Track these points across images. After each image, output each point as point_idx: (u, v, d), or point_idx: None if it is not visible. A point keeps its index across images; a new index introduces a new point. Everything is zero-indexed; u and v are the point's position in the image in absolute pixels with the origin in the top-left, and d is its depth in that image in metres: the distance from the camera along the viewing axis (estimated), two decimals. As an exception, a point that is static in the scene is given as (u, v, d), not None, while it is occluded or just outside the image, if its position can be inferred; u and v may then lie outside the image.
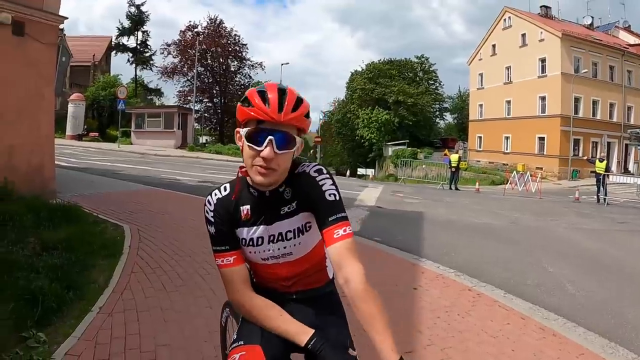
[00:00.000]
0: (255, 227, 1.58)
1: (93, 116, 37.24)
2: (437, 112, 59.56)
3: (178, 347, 3.33)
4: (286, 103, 1.42)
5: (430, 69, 57.21)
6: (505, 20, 42.48)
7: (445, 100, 60.42)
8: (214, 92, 49.22)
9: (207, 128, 50.87)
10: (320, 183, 1.53)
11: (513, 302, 4.83)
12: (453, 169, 22.56)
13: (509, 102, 41.11)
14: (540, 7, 42.17)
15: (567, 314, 4.69)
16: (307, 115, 1.50)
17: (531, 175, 24.00)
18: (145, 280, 4.73)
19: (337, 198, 1.52)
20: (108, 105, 35.85)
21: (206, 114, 50.12)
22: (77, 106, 31.38)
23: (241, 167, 1.54)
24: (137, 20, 44.64)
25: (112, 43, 45.72)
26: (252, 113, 1.42)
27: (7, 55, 7.09)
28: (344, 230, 1.47)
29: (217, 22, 47.36)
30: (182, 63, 46.17)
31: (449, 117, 63.97)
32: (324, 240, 1.49)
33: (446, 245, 7.68)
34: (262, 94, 1.42)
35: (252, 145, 1.42)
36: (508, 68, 41.39)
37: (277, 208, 1.56)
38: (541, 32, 37.46)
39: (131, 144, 33.10)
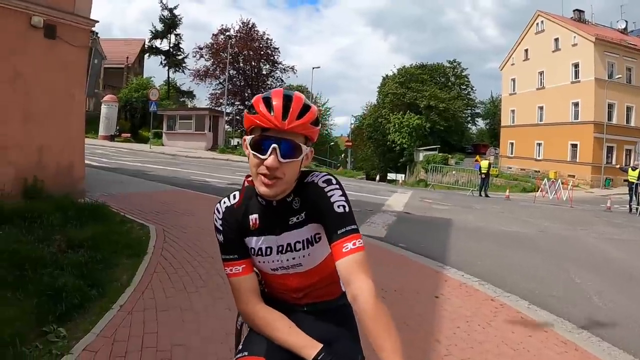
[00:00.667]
0: (263, 237, 1.55)
1: (126, 117, 38.17)
2: (469, 118, 59.10)
3: (194, 347, 3.38)
4: (291, 110, 1.38)
5: (463, 73, 56.92)
6: (537, 24, 41.84)
7: (477, 105, 59.95)
8: (246, 95, 49.80)
9: (239, 131, 51.58)
10: (329, 194, 1.48)
11: (536, 314, 4.71)
12: (483, 175, 22.33)
13: (541, 108, 40.44)
14: (573, 11, 41.45)
15: (592, 327, 4.55)
16: (316, 123, 1.46)
17: (562, 183, 23.44)
18: (167, 280, 4.81)
19: (347, 210, 1.46)
20: (140, 107, 36.68)
21: (238, 117, 50.79)
22: (110, 107, 32.22)
23: (247, 177, 1.53)
24: (170, 23, 45.58)
25: (145, 46, 46.86)
26: (257, 120, 1.39)
27: (39, 57, 7.35)
28: (354, 244, 1.41)
29: (249, 25, 48.00)
30: (214, 66, 46.93)
31: (481, 123, 63.38)
32: (333, 254, 1.43)
33: (472, 253, 7.57)
34: (267, 101, 1.39)
35: (257, 154, 1.40)
36: (541, 73, 40.73)
37: (285, 218, 1.53)
38: (574, 37, 36.78)
39: (162, 145, 33.78)
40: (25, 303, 3.64)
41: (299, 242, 1.54)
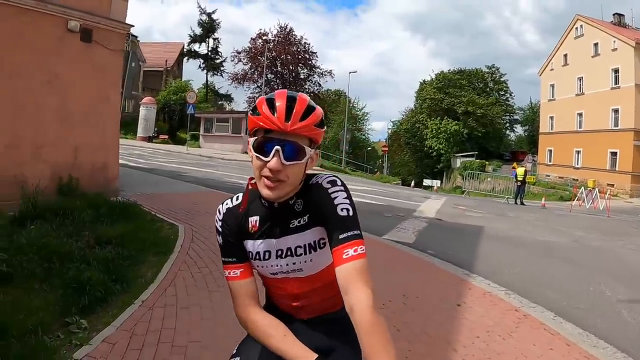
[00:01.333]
0: (261, 240, 1.52)
1: (164, 119, 39.15)
2: (507, 124, 58.04)
3: (209, 344, 3.45)
4: (294, 111, 1.35)
5: (501, 79, 56.05)
6: (577, 29, 40.52)
7: (516, 111, 58.68)
8: (284, 99, 50.24)
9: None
10: (333, 196, 1.43)
11: (561, 326, 4.55)
12: (519, 183, 21.95)
13: (580, 114, 39.08)
14: (613, 14, 40.04)
15: (618, 342, 4.33)
16: (320, 125, 1.42)
17: (600, 192, 22.66)
18: (190, 279, 4.93)
19: (351, 214, 1.41)
20: (179, 109, 37.52)
21: (275, 121, 51.22)
22: (149, 109, 33.15)
23: (250, 179, 1.48)
24: (209, 27, 46.44)
25: (184, 49, 47.89)
26: (259, 122, 1.37)
27: (75, 60, 7.69)
28: (355, 251, 1.36)
29: (287, 30, 48.53)
30: (252, 70, 47.60)
31: (519, 130, 61.92)
32: (334, 260, 1.38)
33: (500, 262, 7.42)
34: (270, 102, 1.37)
35: (259, 156, 1.37)
36: (580, 79, 39.39)
37: (286, 221, 1.49)
38: (614, 41, 35.37)
39: (199, 147, 34.46)
40: (51, 295, 3.82)
41: (300, 246, 1.49)
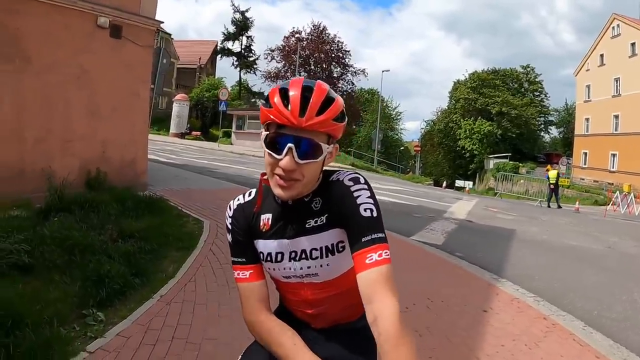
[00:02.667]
0: (273, 240, 1.41)
1: (197, 116, 39.77)
2: (542, 125, 56.72)
3: (224, 342, 3.43)
4: (310, 104, 1.22)
5: (536, 79, 54.76)
6: (613, 28, 39.19)
7: (551, 113, 57.33)
8: (317, 97, 50.35)
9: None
10: (356, 194, 1.31)
11: (591, 337, 4.36)
12: (552, 186, 21.42)
13: (616, 116, 37.82)
14: None
15: None
16: (340, 119, 1.29)
17: (635, 197, 21.85)
18: (211, 275, 4.95)
19: (375, 214, 1.29)
20: (211, 106, 38.02)
21: (308, 119, 51.44)
22: (182, 106, 33.74)
23: (262, 174, 1.39)
24: (242, 25, 46.89)
25: (218, 47, 48.49)
26: (271, 115, 1.25)
27: (105, 56, 7.84)
28: (379, 255, 1.23)
29: (321, 28, 48.57)
30: (286, 68, 47.83)
31: (554, 131, 60.45)
32: (354, 265, 1.27)
33: (531, 267, 7.21)
34: (284, 93, 1.25)
35: (272, 153, 1.26)
36: (617, 80, 38.08)
37: (302, 220, 1.37)
38: None
39: (231, 144, 34.82)
40: (70, 286, 3.90)
41: (315, 249, 1.37)
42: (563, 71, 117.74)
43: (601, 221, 16.89)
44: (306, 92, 1.24)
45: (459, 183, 41.45)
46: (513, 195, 28.22)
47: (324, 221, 1.35)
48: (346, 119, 1.34)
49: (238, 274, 1.45)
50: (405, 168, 51.53)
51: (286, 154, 1.23)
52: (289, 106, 1.22)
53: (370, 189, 1.34)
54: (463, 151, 49.96)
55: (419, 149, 45.44)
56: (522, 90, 54.01)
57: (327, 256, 1.37)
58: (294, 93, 1.23)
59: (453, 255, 7.16)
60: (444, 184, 34.52)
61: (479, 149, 48.20)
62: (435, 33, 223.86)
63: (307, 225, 1.37)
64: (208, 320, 3.81)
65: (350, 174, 1.37)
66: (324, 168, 1.39)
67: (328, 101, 1.26)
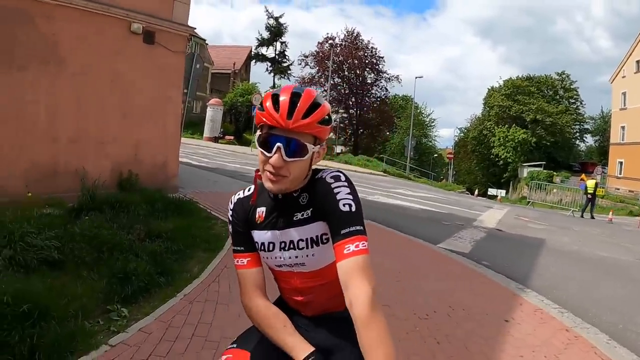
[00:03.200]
0: (266, 231, 1.56)
1: (230, 120, 40.24)
2: (577, 133, 55.12)
3: (241, 342, 3.50)
4: (297, 108, 1.37)
5: (572, 86, 53.36)
6: None
7: (587, 120, 55.65)
8: (350, 103, 50.55)
9: (342, 138, 52.40)
10: (336, 191, 1.44)
11: (615, 351, 4.22)
12: (589, 196, 20.83)
13: None
14: None
15: None
16: (325, 122, 1.44)
17: None
18: (234, 276, 4.92)
19: (354, 209, 1.41)
20: (245, 111, 38.38)
21: (341, 124, 51.65)
22: (215, 110, 34.18)
23: (257, 171, 1.51)
24: (276, 31, 47.50)
25: (252, 53, 49.12)
26: (263, 118, 1.40)
27: (138, 61, 8.08)
28: (357, 246, 1.35)
29: (355, 34, 48.68)
30: (320, 74, 48.08)
31: (589, 140, 58.56)
32: (335, 255, 1.39)
33: (558, 278, 7.04)
34: (275, 98, 1.40)
35: (263, 151, 1.41)
36: None
37: (291, 213, 1.52)
38: None
39: (263, 148, 34.99)
40: (97, 282, 4.05)
41: (302, 240, 1.51)
42: (599, 78, 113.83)
43: (634, 232, 16.45)
44: (294, 97, 1.39)
45: (491, 191, 40.76)
46: (546, 204, 27.65)
47: (309, 214, 1.49)
48: (332, 123, 1.51)
49: (237, 261, 1.62)
50: (439, 175, 51.02)
51: (275, 152, 1.38)
52: (279, 110, 1.37)
53: (350, 185, 1.46)
54: (497, 159, 49.17)
55: (452, 156, 44.90)
56: (557, 97, 52.85)
57: (312, 247, 1.50)
58: (284, 98, 1.38)
59: (479, 264, 7.07)
60: (476, 192, 34.00)
61: (513, 157, 47.38)
62: (470, 39, 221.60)
63: (294, 218, 1.51)
64: (228, 320, 3.88)
65: (333, 172, 1.51)
66: (314, 167, 1.53)
67: (314, 106, 1.40)
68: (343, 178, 1.48)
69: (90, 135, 7.54)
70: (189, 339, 3.47)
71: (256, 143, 1.43)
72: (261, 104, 1.42)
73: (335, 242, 1.39)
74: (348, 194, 1.43)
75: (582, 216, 20.69)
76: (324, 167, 1.59)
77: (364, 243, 1.37)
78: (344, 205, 1.41)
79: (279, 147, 1.37)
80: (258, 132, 1.44)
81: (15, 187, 6.36)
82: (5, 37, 6.43)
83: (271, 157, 1.38)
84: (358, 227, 1.39)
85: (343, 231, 1.37)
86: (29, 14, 6.64)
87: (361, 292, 1.30)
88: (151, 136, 8.47)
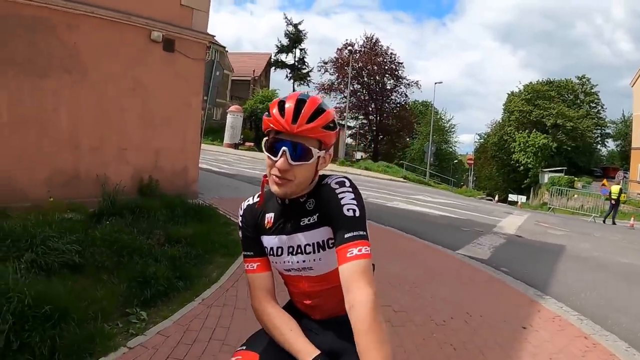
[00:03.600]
0: (274, 236, 1.60)
1: (250, 127, 40.51)
2: (599, 138, 54.13)
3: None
4: (302, 114, 1.42)
5: (592, 90, 52.52)
6: None
7: (608, 125, 54.49)
8: (370, 109, 50.58)
9: (362, 145, 52.38)
10: (340, 196, 1.48)
11: (633, 359, 4.14)
12: (613, 201, 20.41)
13: None
14: None
15: None
16: (330, 127, 1.48)
17: None
18: (252, 281, 5.03)
19: (358, 214, 1.45)
20: (265, 118, 38.65)
21: (361, 131, 51.64)
22: (235, 117, 34.42)
23: (265, 176, 1.56)
24: (295, 38, 47.70)
25: (272, 60, 49.43)
26: (270, 123, 1.46)
27: (158, 68, 8.22)
28: (359, 250, 1.38)
29: (373, 40, 48.72)
30: (339, 80, 48.16)
31: (611, 144, 57.27)
32: (338, 259, 1.42)
33: (578, 284, 6.90)
34: (281, 104, 1.45)
35: (269, 155, 1.46)
36: None
37: (297, 219, 1.56)
38: None
39: (283, 155, 35.12)
40: (117, 286, 4.13)
41: (309, 244, 1.55)
42: (620, 81, 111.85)
43: (657, 238, 15.92)
44: (300, 103, 1.44)
45: (511, 197, 40.27)
46: (568, 210, 27.18)
47: (316, 220, 1.53)
48: (337, 128, 1.54)
49: (247, 266, 1.66)
50: (459, 181, 50.57)
51: (281, 156, 1.43)
52: (284, 115, 1.43)
53: (354, 191, 1.50)
54: (517, 165, 48.63)
55: (472, 162, 44.53)
56: (578, 101, 52.12)
57: (318, 251, 1.55)
58: (289, 104, 1.44)
59: (498, 270, 7.00)
60: (496, 198, 33.63)
61: (534, 162, 46.77)
62: (490, 44, 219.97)
63: (301, 223, 1.56)
64: (246, 324, 3.87)
65: (338, 178, 1.55)
66: (321, 173, 1.58)
67: (319, 111, 1.45)
68: (348, 184, 1.51)
69: (112, 142, 7.68)
70: (207, 342, 3.51)
71: (263, 148, 1.48)
72: (268, 110, 1.47)
73: (338, 245, 1.42)
74: (352, 199, 1.47)
75: (604, 222, 20.29)
76: (332, 173, 1.61)
77: (366, 248, 1.40)
78: (347, 210, 1.44)
79: (284, 151, 1.42)
80: (265, 138, 1.49)
81: (37, 192, 6.52)
82: (28, 46, 6.62)
83: (277, 160, 1.43)
84: (361, 232, 1.42)
85: (346, 235, 1.40)
86: (51, 23, 6.82)
87: (362, 296, 1.33)
88: (171, 143, 8.58)
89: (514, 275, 6.76)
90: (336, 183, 1.51)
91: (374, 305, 1.32)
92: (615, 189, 20.78)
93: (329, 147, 1.53)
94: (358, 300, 1.33)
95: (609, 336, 4.68)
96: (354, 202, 1.46)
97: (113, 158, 7.69)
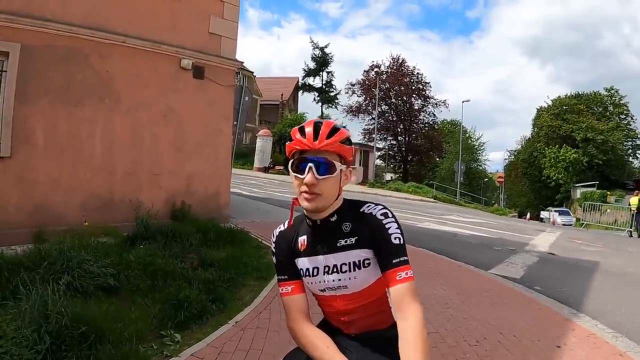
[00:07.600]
0: (310, 258, 1.74)
1: (280, 151, 40.90)
2: (630, 150, 52.76)
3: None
4: (321, 132, 1.61)
5: (621, 101, 51.47)
6: None
7: (639, 136, 53.06)
8: (398, 130, 50.51)
9: (391, 165, 52.20)
10: (387, 226, 1.64)
11: None
12: (633, 213, 20.17)
13: None
14: None
15: None
16: (346, 142, 1.65)
17: None
18: (285, 304, 5.03)
19: (402, 242, 1.63)
20: (294, 142, 38.99)
21: (390, 152, 51.52)
22: (265, 141, 34.87)
23: (295, 198, 1.71)
24: (322, 61, 48.22)
25: (299, 83, 50.09)
26: (294, 146, 1.64)
27: (189, 95, 8.48)
28: (406, 274, 1.59)
29: (400, 61, 48.86)
30: (367, 102, 48.36)
31: None
32: (387, 281, 1.61)
33: (612, 301, 6.63)
34: (301, 129, 1.64)
35: (297, 175, 1.62)
36: None
37: (333, 240, 1.70)
38: None
39: (313, 178, 35.25)
40: (151, 308, 4.20)
41: (345, 264, 1.69)
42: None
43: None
44: (317, 125, 1.63)
45: (543, 214, 39.34)
46: (601, 225, 26.64)
47: (353, 242, 1.68)
48: (352, 144, 1.73)
49: (282, 289, 1.79)
50: (490, 200, 49.75)
51: (308, 172, 1.59)
52: (305, 136, 1.61)
53: (397, 221, 1.68)
54: (548, 181, 47.98)
55: (502, 179, 43.91)
56: (607, 114, 51.46)
57: (354, 270, 1.69)
58: (309, 128, 1.62)
59: (531, 289, 6.82)
60: (528, 216, 32.96)
61: (565, 177, 46.23)
62: (518, 59, 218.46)
63: (338, 244, 1.70)
64: (279, 346, 3.88)
65: (381, 209, 1.70)
66: (347, 195, 1.76)
67: (334, 129, 1.64)
68: (390, 215, 1.68)
69: (145, 168, 7.91)
70: (241, 365, 3.51)
71: (290, 170, 1.64)
72: (290, 137, 1.66)
73: (387, 269, 1.60)
74: (396, 228, 1.65)
75: (637, 236, 19.87)
76: (365, 198, 1.77)
77: (410, 271, 1.60)
78: (394, 238, 1.62)
79: (310, 167, 1.58)
80: (291, 160, 1.65)
81: (73, 216, 6.78)
82: (62, 76, 6.94)
83: (304, 177, 1.58)
84: (406, 258, 1.62)
85: (394, 260, 1.60)
86: (84, 53, 7.14)
87: (415, 311, 1.54)
88: (203, 168, 8.76)
89: (548, 294, 6.58)
90: (381, 214, 1.67)
91: (423, 317, 1.55)
92: (634, 200, 20.61)
93: (348, 162, 1.69)
94: (411, 314, 1.53)
95: (645, 353, 4.48)
96: (398, 231, 1.64)
97: (146, 183, 7.90)
